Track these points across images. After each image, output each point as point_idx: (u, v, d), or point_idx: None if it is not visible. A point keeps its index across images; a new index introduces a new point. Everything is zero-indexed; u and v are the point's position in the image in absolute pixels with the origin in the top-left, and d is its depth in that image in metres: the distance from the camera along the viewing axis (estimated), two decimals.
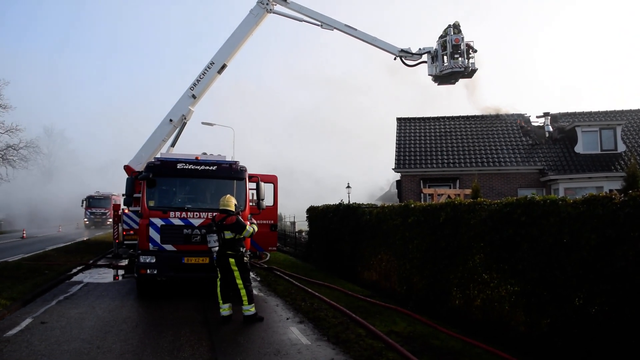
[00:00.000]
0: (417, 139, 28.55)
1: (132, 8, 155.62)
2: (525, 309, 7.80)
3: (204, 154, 14.00)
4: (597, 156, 25.44)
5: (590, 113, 29.17)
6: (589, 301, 6.69)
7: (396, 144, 28.26)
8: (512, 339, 8.04)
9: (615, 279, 6.23)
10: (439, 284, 10.26)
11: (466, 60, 18.15)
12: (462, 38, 18.09)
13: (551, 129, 27.64)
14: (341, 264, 16.39)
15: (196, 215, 12.09)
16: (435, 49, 18.35)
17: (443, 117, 30.51)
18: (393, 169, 26.90)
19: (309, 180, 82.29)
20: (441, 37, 18.52)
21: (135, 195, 13.28)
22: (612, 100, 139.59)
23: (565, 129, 27.11)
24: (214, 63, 18.54)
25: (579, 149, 25.92)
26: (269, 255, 17.47)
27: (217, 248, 9.96)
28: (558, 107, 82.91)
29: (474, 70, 18.33)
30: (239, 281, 9.80)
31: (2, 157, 40.54)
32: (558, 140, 26.92)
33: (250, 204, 13.38)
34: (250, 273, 11.27)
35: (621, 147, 25.50)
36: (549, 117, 28.43)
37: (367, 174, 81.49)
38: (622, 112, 28.71)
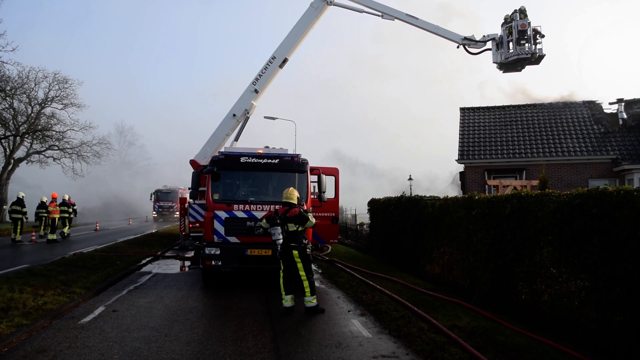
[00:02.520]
0: (481, 128, 27.82)
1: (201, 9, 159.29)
2: (596, 305, 7.47)
3: (267, 147, 14.20)
4: None
5: None
6: None
7: (459, 134, 27.64)
8: (582, 336, 7.72)
9: None
10: (503, 278, 9.98)
11: (533, 46, 17.48)
12: (529, 23, 17.44)
13: (625, 116, 26.13)
14: (403, 256, 16.24)
15: (259, 207, 12.29)
16: (500, 35, 17.77)
17: (508, 106, 29.55)
18: (456, 160, 26.34)
19: (371, 173, 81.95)
20: (506, 22, 17.92)
21: (200, 188, 13.66)
22: None
23: None
24: (275, 57, 18.73)
25: None
26: (330, 247, 17.56)
27: (281, 240, 10.09)
28: (633, 93, 78.72)
29: (541, 57, 17.64)
30: (302, 273, 9.91)
31: (77, 153, 42.62)
32: (633, 128, 25.44)
33: (312, 196, 13.46)
34: (312, 265, 11.34)
35: None
36: (623, 104, 26.88)
37: (430, 165, 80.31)
38: None
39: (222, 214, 12.17)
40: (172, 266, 16.77)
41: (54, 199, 25.60)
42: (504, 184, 19.20)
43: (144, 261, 17.22)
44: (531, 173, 24.01)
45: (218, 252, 12.06)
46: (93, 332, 8.33)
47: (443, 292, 11.76)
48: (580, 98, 29.05)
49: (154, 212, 51.97)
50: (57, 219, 25.21)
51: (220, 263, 12.07)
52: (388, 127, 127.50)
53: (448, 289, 12.28)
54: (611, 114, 27.12)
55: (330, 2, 18.62)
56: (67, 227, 27.47)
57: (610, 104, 27.54)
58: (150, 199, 51.79)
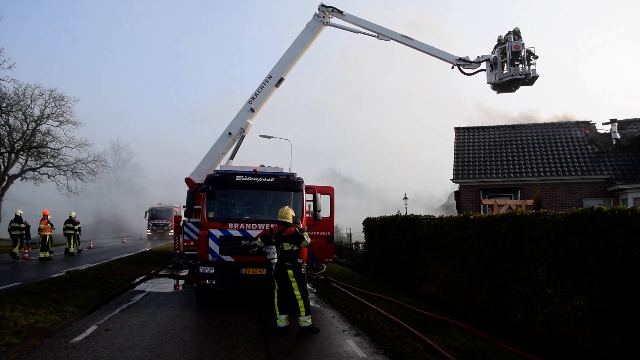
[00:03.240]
0: (475, 148, 27.96)
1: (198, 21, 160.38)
2: (592, 325, 7.44)
3: (262, 166, 14.21)
4: None
5: None
6: None
7: (454, 153, 27.76)
8: (578, 356, 7.67)
9: None
10: (499, 298, 9.94)
11: (527, 67, 17.66)
12: (523, 44, 17.63)
13: (618, 136, 26.37)
14: (398, 276, 16.18)
15: (254, 226, 12.26)
16: (495, 56, 17.95)
17: (502, 126, 29.76)
18: (451, 179, 26.40)
19: (366, 192, 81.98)
20: (500, 44, 18.12)
21: (195, 206, 13.62)
22: None
23: (634, 135, 25.80)
24: (271, 77, 18.84)
25: None
26: (325, 266, 17.48)
27: (276, 259, 10.05)
28: (626, 114, 79.50)
29: (535, 77, 17.80)
30: (296, 292, 9.85)
31: (72, 170, 42.47)
32: (626, 148, 25.65)
33: (307, 215, 13.45)
34: (307, 284, 11.29)
35: None
36: (616, 124, 27.14)
37: (425, 184, 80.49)
38: None
39: (217, 233, 12.13)
40: (165, 285, 16.65)
41: (45, 216, 25.50)
42: (499, 203, 19.21)
43: (137, 280, 17.10)
44: (526, 193, 24.09)
45: (212, 271, 11.99)
46: (85, 352, 8.23)
47: (439, 312, 11.70)
48: (572, 118, 29.34)
49: (149, 230, 51.77)
50: (47, 236, 25.12)
51: (214, 282, 11.99)
52: (385, 145, 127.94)
53: (444, 308, 12.22)
54: (605, 134, 27.37)
55: (327, 22, 18.81)
56: (72, 245, 28.04)
57: (604, 124, 27.82)
58: (145, 217, 51.62)
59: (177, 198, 53.16)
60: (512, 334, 9.29)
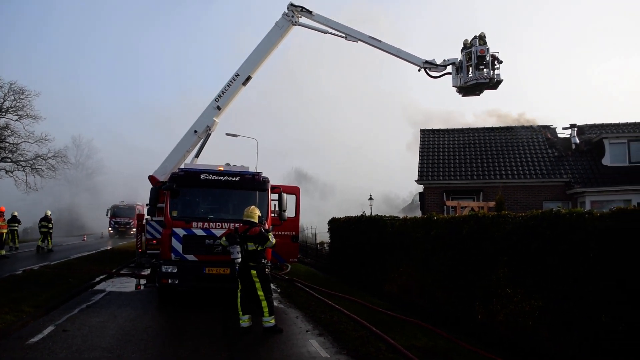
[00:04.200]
0: (440, 150, 28.34)
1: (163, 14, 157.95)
2: (549, 325, 7.62)
3: (228, 164, 14.10)
4: (625, 168, 24.86)
5: (618, 124, 28.63)
6: (616, 318, 6.51)
7: (419, 155, 28.08)
8: (537, 355, 7.84)
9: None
10: (461, 298, 10.10)
11: (491, 72, 17.96)
12: (488, 49, 17.91)
13: (578, 141, 27.14)
14: (362, 276, 16.27)
15: (218, 225, 12.14)
16: (460, 60, 18.19)
17: (467, 129, 30.24)
18: (416, 180, 26.70)
19: (332, 192, 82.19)
20: (466, 48, 18.39)
21: (159, 205, 13.41)
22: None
23: (592, 140, 26.61)
24: (239, 75, 18.70)
25: (606, 161, 25.40)
26: (289, 266, 17.45)
27: (239, 259, 9.97)
28: (585, 119, 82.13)
29: (499, 82, 18.12)
30: (260, 292, 9.78)
31: (31, 166, 41.28)
32: (585, 153, 26.43)
33: (272, 215, 13.39)
34: (271, 284, 11.25)
35: None
36: (576, 129, 27.92)
37: (390, 185, 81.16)
38: None
39: (181, 232, 11.96)
40: (127, 284, 16.33)
41: (1, 213, 24.73)
42: (462, 205, 19.53)
43: (97, 279, 16.70)
44: (488, 194, 24.51)
45: (175, 270, 11.82)
46: (41, 353, 8.00)
47: (402, 311, 11.79)
48: (534, 122, 30.06)
49: (110, 229, 50.75)
50: (4, 234, 24.45)
51: (177, 281, 11.83)
52: (350, 146, 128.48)
53: (407, 308, 12.33)
54: (565, 138, 28.13)
55: (295, 22, 18.76)
56: (50, 242, 28.35)
57: (564, 129, 28.61)
58: (107, 215, 50.58)
59: (140, 196, 52.37)
60: (474, 334, 9.43)
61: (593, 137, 26.83)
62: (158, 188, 13.28)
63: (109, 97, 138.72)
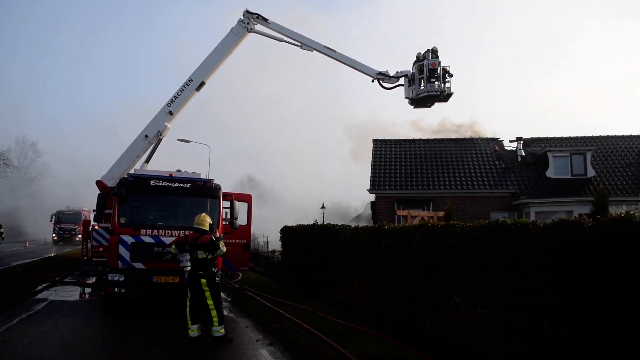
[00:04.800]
0: (392, 160, 28.76)
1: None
2: (495, 332, 7.81)
3: (179, 171, 13.86)
4: (568, 181, 25.91)
5: (561, 138, 29.80)
6: (558, 325, 6.74)
7: (372, 165, 28.42)
8: None
9: (585, 304, 6.29)
10: (411, 306, 10.23)
11: (442, 85, 18.35)
12: (439, 62, 18.30)
13: (523, 154, 28.16)
14: (314, 285, 16.27)
15: (168, 233, 11.92)
16: (413, 72, 18.53)
17: (418, 140, 30.84)
18: (368, 190, 26.98)
19: (285, 201, 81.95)
20: (418, 61, 18.74)
21: (106, 211, 13.05)
22: (582, 126, 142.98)
23: (537, 153, 27.65)
24: (192, 80, 18.44)
25: (550, 173, 26.40)
26: (240, 275, 17.28)
27: (189, 267, 9.80)
28: (530, 132, 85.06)
29: (449, 95, 18.55)
30: (210, 302, 9.64)
31: None
32: (530, 165, 27.42)
33: (224, 222, 13.25)
34: (221, 293, 11.12)
35: (591, 172, 26.06)
36: (522, 142, 28.98)
37: (343, 194, 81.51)
38: (591, 138, 29.38)
39: (128, 239, 11.68)
40: (71, 293, 15.79)
41: None
42: (413, 214, 19.87)
43: (39, 287, 16.08)
44: (438, 204, 25.00)
45: (122, 279, 11.51)
46: None
47: (353, 320, 11.86)
48: (479, 133, 31.06)
49: (54, 235, 48.99)
50: None
51: (124, 290, 11.52)
52: (303, 155, 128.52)
53: (358, 317, 12.40)
54: (511, 150, 29.13)
55: (251, 29, 18.69)
56: None
57: (511, 141, 29.64)
58: (51, 221, 48.81)
59: (86, 201, 50.80)
60: (424, 342, 9.57)
61: (538, 150, 27.87)
62: (106, 194, 12.94)
63: (55, 100, 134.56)
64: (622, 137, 29.41)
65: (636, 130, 39.56)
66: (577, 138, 29.64)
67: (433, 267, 9.51)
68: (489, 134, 32.52)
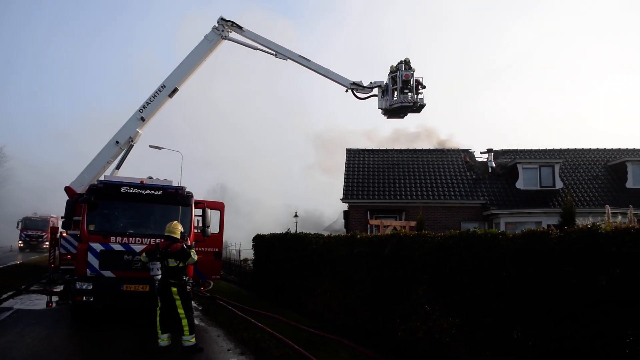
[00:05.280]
0: (365, 170, 28.94)
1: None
2: (466, 341, 7.90)
3: (150, 178, 13.70)
4: (537, 192, 26.46)
5: (530, 151, 30.45)
6: (527, 333, 6.86)
7: (345, 174, 28.53)
8: None
9: (551, 312, 6.41)
10: (383, 315, 10.27)
11: (415, 96, 18.56)
12: (412, 74, 18.52)
13: (494, 165, 28.67)
14: (287, 294, 16.21)
15: (138, 241, 11.75)
16: (386, 83, 18.70)
17: (391, 150, 31.12)
18: (341, 199, 27.06)
19: (257, 209, 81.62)
20: (392, 72, 18.93)
21: (75, 218, 12.81)
22: (553, 138, 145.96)
23: (507, 165, 28.18)
24: (165, 86, 18.29)
25: (519, 184, 26.91)
26: (212, 283, 17.12)
27: (160, 276, 9.66)
28: (501, 144, 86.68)
29: (422, 106, 18.77)
30: (180, 310, 9.52)
31: None
32: (500, 176, 27.92)
33: (195, 230, 13.13)
34: (193, 302, 10.99)
35: (559, 184, 26.67)
36: (492, 153, 29.52)
37: (316, 203, 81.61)
38: (560, 150, 30.14)
39: (98, 246, 11.47)
40: (37, 302, 15.40)
41: None
42: (385, 224, 19.99)
43: (4, 296, 15.66)
44: (410, 214, 25.22)
45: (90, 287, 11.29)
46: None
47: (325, 329, 11.84)
48: (445, 144, 31.55)
49: (20, 242, 47.82)
50: None
51: (92, 299, 11.30)
52: (277, 163, 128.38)
53: (330, 326, 12.38)
54: (482, 162, 29.63)
55: (225, 36, 18.66)
56: None
57: (482, 153, 30.18)
58: (17, 227, 47.67)
59: (53, 208, 49.79)
60: (395, 351, 9.61)
61: (508, 161, 28.40)
62: (75, 200, 12.70)
63: (19, 107, 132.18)
64: (589, 150, 30.25)
65: (602, 144, 40.71)
66: (546, 150, 30.32)
67: (405, 276, 9.58)
68: (455, 144, 33.18)
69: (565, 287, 6.28)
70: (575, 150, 30.19)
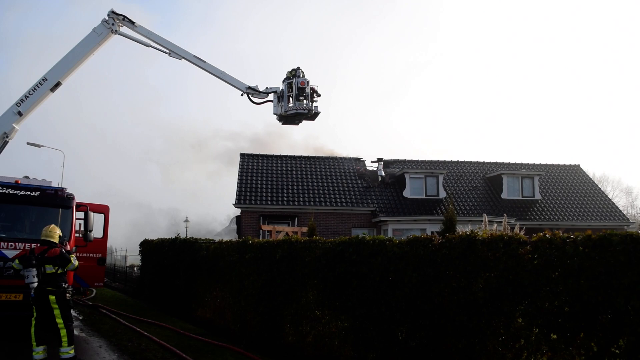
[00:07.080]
0: (258, 175, 28.86)
1: None
2: (353, 344, 8.11)
3: (27, 177, 12.73)
4: (422, 201, 27.90)
5: (417, 161, 32.00)
6: (410, 335, 7.17)
7: (238, 179, 28.28)
8: None
9: (433, 314, 6.76)
10: (273, 320, 10.29)
11: (310, 103, 18.83)
12: (308, 82, 18.78)
13: (383, 174, 29.83)
14: (175, 301, 15.74)
15: (11, 245, 10.84)
16: (282, 89, 18.81)
17: (285, 156, 31.32)
18: (234, 204, 26.78)
19: (144, 213, 78.68)
20: (287, 79, 19.07)
21: None
22: (441, 151, 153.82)
23: (395, 174, 29.45)
24: (46, 79, 17.05)
25: (407, 193, 28.22)
26: (94, 291, 16.25)
27: (36, 284, 8.95)
28: (390, 154, 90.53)
29: (316, 114, 19.07)
30: (59, 320, 8.87)
31: None
32: (389, 185, 29.11)
33: (77, 235, 12.38)
34: (72, 311, 10.33)
35: (442, 194, 28.34)
36: (382, 163, 30.70)
37: (207, 208, 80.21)
38: (444, 162, 32.03)
39: None
40: None
41: None
42: (277, 229, 20.05)
43: None
44: (302, 220, 25.50)
45: None
46: None
47: (214, 336, 11.64)
48: (332, 152, 32.43)
49: None
50: None
51: None
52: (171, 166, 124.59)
53: (220, 333, 12.20)
54: (372, 171, 30.71)
55: (116, 30, 17.79)
56: None
57: (372, 162, 31.30)
58: None
59: None
60: (285, 356, 9.66)
61: (396, 171, 29.67)
62: None
63: None
64: (470, 162, 32.46)
65: (482, 157, 43.72)
66: (431, 162, 32.05)
67: (296, 281, 9.66)
68: (345, 153, 34.10)
69: (446, 290, 6.65)
70: (457, 162, 32.25)
